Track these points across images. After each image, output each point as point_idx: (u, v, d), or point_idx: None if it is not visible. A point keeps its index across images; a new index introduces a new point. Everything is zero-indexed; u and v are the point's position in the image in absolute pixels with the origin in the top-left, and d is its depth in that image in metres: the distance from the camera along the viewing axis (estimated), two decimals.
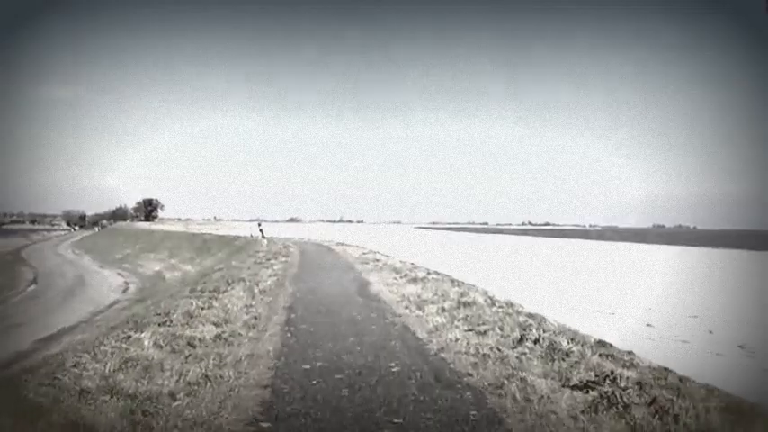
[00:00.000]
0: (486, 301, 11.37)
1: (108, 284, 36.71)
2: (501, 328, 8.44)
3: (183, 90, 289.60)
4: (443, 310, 10.43)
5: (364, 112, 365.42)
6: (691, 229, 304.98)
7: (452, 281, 14.95)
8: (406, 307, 10.96)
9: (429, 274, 16.81)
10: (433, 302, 11.19)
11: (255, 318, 10.00)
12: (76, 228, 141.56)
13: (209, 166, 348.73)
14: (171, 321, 9.03)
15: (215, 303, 11.45)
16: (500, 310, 10.38)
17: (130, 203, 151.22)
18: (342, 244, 36.36)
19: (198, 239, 47.14)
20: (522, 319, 9.39)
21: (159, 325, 8.67)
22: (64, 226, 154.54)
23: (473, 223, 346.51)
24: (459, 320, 9.39)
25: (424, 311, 10.40)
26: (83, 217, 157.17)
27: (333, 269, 19.37)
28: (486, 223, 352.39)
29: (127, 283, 37.32)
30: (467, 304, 10.79)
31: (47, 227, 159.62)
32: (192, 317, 9.83)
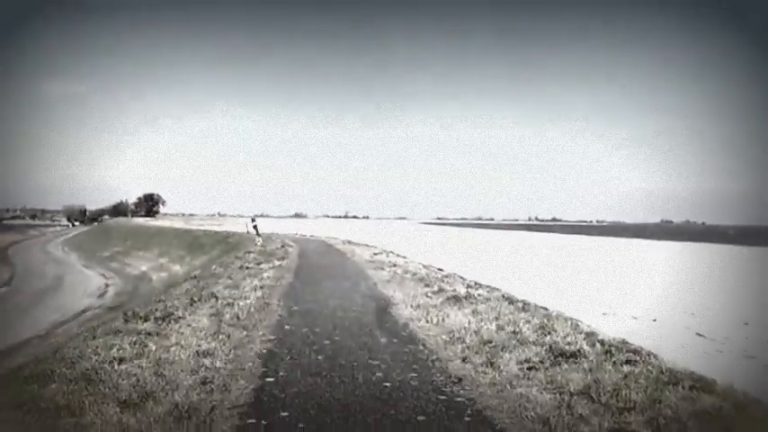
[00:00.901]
0: (589, 343, 6.89)
1: (86, 287, 32.44)
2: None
3: (188, 87, 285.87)
4: (532, 367, 5.97)
5: (369, 108, 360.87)
6: (699, 224, 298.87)
7: (509, 300, 10.45)
8: (465, 359, 6.45)
9: (470, 287, 12.34)
10: (505, 348, 6.71)
11: (204, 383, 5.60)
12: (76, 223, 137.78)
13: (213, 163, 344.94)
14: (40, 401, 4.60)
15: (151, 345, 7.05)
16: (626, 367, 5.92)
17: (134, 199, 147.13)
18: (349, 242, 31.88)
19: (190, 236, 42.76)
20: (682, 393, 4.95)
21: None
22: (64, 222, 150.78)
23: (479, 219, 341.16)
24: (577, 399, 4.94)
25: (498, 371, 5.94)
26: (83, 212, 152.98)
27: (339, 277, 14.88)
28: (492, 219, 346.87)
29: (107, 286, 33.07)
30: (566, 355, 6.32)
31: (47, 222, 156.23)
32: (89, 381, 5.46)
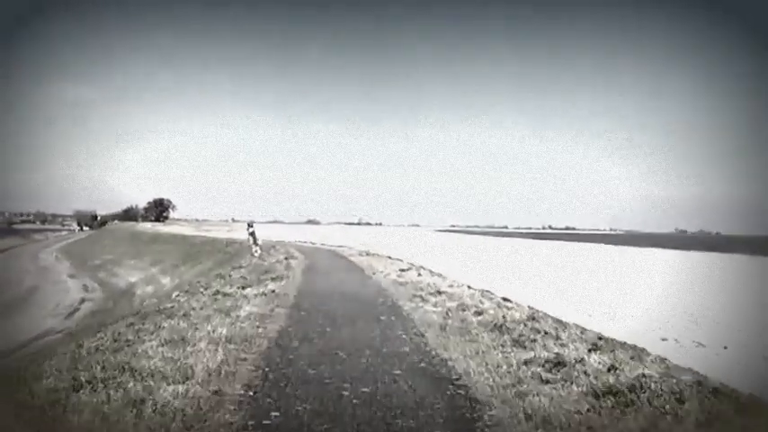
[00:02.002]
0: None
1: (58, 303, 27.25)
2: None
3: (204, 92, 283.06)
4: None
5: (382, 116, 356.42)
6: (713, 234, 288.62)
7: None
8: None
9: (595, 347, 6.78)
10: None
11: None
12: (85, 228, 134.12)
13: (227, 168, 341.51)
14: None
15: None
16: None
17: (144, 204, 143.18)
18: (366, 253, 26.40)
19: (187, 244, 37.58)
20: None
21: None
22: (74, 226, 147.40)
23: (492, 227, 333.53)
24: None
25: None
26: (94, 217, 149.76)
27: (359, 316, 9.31)
28: (505, 227, 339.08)
29: (83, 301, 27.85)
30: None
31: (56, 226, 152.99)
32: None
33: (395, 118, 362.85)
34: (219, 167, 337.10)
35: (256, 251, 20.15)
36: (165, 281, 29.72)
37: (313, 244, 35.38)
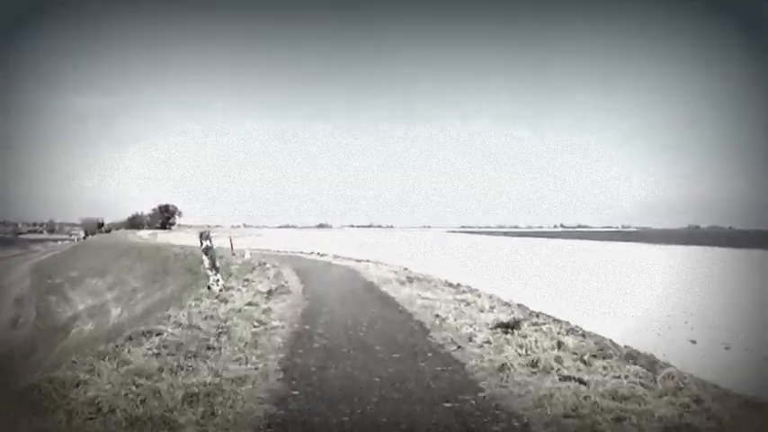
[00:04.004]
0: None
1: None
2: None
3: (214, 98, 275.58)
4: None
5: (392, 117, 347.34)
6: (727, 229, 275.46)
7: None
8: None
9: None
10: None
11: None
12: (90, 236, 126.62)
13: (238, 173, 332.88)
14: None
15: None
16: None
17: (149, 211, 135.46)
18: (409, 279, 16.52)
19: (161, 257, 28.51)
20: None
21: None
22: (81, 234, 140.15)
23: (503, 227, 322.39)
24: None
25: None
26: (100, 225, 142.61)
27: None
28: (516, 226, 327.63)
29: None
30: None
31: (63, 236, 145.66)
32: None
33: (404, 122, 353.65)
34: (230, 173, 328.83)
35: (215, 283, 10.80)
36: (115, 312, 20.70)
37: (322, 257, 26.04)
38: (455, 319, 8.56)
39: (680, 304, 14.67)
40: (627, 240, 79.80)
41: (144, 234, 73.04)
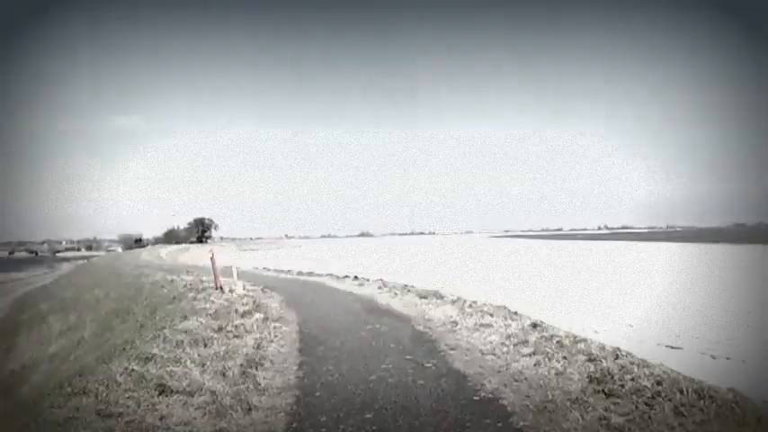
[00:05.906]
0: None
1: None
2: None
3: (255, 110, 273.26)
4: None
5: (433, 123, 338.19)
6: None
7: None
8: None
9: None
10: None
11: None
12: (127, 251, 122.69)
13: (280, 185, 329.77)
14: None
15: None
16: None
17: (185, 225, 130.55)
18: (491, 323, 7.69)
19: (138, 285, 20.57)
20: None
21: None
22: (119, 250, 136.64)
23: (547, 230, 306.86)
24: None
25: None
26: (138, 240, 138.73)
27: None
28: (560, 229, 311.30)
29: None
30: None
31: (101, 252, 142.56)
32: None
33: (444, 127, 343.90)
34: (271, 185, 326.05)
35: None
36: (44, 368, 12.57)
37: (361, 285, 16.99)
38: None
39: None
40: (689, 241, 72.57)
41: (162, 252, 65.79)
